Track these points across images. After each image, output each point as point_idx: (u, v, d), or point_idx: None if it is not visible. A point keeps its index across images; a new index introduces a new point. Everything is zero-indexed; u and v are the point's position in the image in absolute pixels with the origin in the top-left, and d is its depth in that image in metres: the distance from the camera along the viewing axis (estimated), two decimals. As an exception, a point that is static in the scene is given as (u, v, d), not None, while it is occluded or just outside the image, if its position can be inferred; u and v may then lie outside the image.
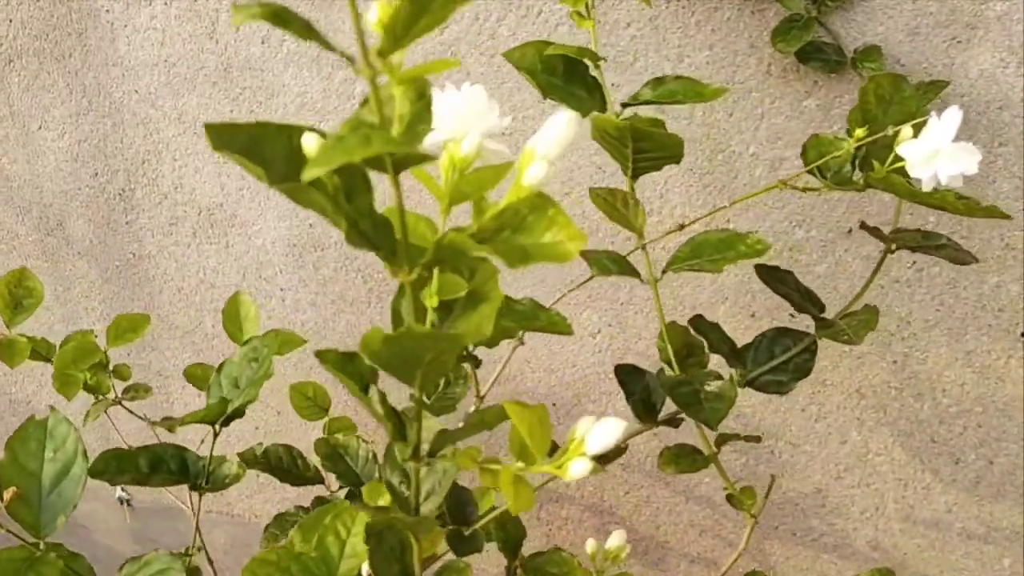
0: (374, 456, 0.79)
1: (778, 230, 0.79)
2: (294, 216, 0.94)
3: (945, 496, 0.87)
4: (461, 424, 0.43)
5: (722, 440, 0.57)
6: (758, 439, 0.60)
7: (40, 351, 0.66)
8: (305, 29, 0.25)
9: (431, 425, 0.45)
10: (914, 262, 0.76)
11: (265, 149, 0.30)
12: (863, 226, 0.59)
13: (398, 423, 0.41)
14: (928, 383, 0.81)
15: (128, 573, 0.54)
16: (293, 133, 0.30)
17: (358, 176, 0.33)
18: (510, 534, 0.77)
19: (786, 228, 0.78)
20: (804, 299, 0.56)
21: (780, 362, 0.55)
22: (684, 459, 0.54)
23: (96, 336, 0.68)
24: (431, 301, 0.39)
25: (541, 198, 0.32)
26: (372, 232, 0.32)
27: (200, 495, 0.60)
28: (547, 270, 0.88)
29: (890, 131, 0.51)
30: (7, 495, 0.49)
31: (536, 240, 0.31)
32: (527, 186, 0.32)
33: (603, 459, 0.57)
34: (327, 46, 0.26)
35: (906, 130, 0.50)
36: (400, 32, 0.25)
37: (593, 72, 0.59)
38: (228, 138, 0.29)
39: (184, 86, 0.90)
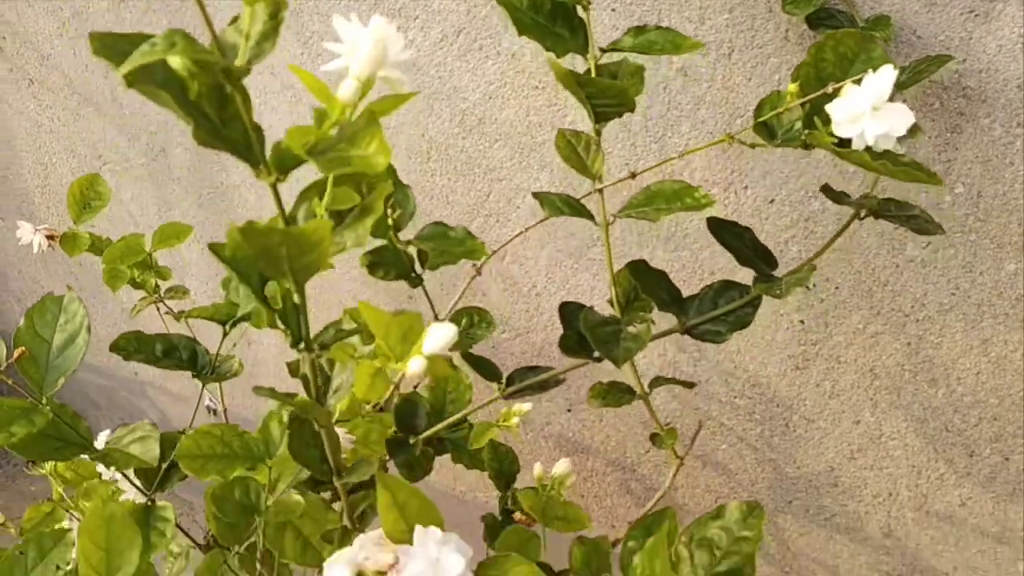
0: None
1: (794, 200, 0.78)
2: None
3: (959, 489, 0.84)
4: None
5: (655, 383, 0.59)
6: (692, 385, 0.62)
7: (97, 246, 0.76)
8: None
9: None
10: (929, 242, 0.75)
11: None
12: (824, 189, 0.59)
13: (295, 324, 0.46)
14: (943, 369, 0.79)
15: (119, 435, 0.62)
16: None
17: (220, 87, 0.38)
18: (504, 466, 0.81)
19: (802, 198, 0.78)
20: (756, 255, 0.57)
21: (721, 313, 0.57)
22: (612, 394, 0.57)
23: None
24: (319, 209, 0.44)
25: (373, 117, 0.36)
26: (238, 137, 0.37)
27: (204, 384, 0.68)
28: (574, 226, 0.91)
29: (830, 88, 0.51)
30: (16, 353, 0.58)
31: (361, 152, 0.36)
32: (340, 99, 0.36)
33: (542, 387, 0.60)
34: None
35: (847, 87, 0.51)
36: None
37: (581, 14, 0.61)
38: (111, 45, 0.35)
39: (264, 29, 0.98)
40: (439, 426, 0.65)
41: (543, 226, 0.94)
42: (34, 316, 0.61)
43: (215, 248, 0.43)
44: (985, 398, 0.79)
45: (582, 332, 0.58)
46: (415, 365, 0.39)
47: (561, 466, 0.63)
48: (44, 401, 0.59)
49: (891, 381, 0.82)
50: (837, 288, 0.80)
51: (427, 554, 0.46)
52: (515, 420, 0.80)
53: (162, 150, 1.16)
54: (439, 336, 0.39)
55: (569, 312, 0.58)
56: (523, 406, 0.81)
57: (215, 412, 1.39)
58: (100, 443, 0.68)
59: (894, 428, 0.85)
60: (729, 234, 0.58)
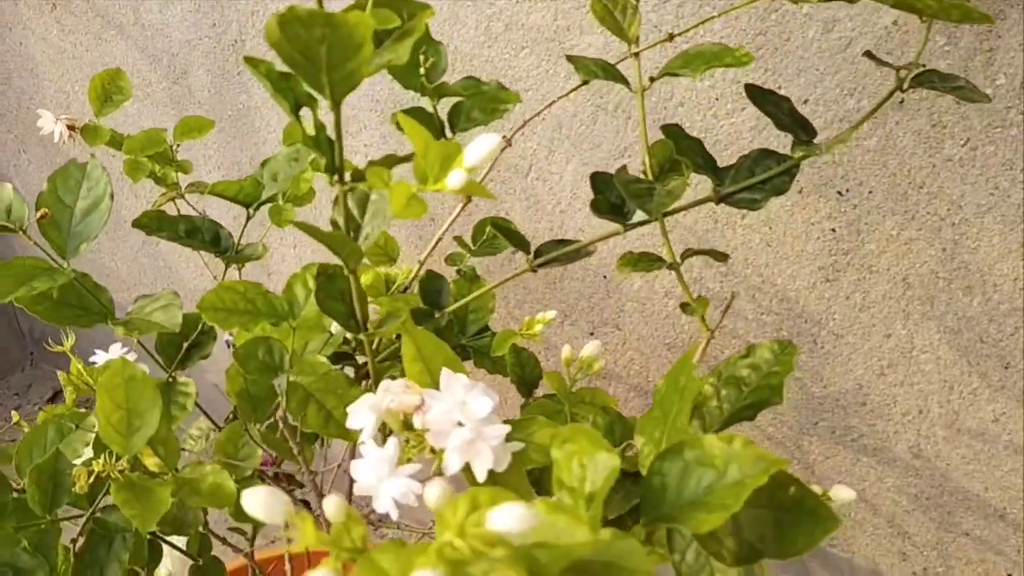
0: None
1: (829, 99, 0.77)
2: (380, 75, 1.00)
3: (993, 404, 0.82)
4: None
5: (687, 254, 0.58)
6: (726, 257, 0.60)
7: (117, 140, 0.75)
8: None
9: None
10: (967, 139, 0.73)
11: None
12: (868, 54, 0.57)
13: (329, 153, 0.45)
14: (979, 275, 0.77)
15: (140, 304, 0.61)
16: None
17: None
18: (527, 371, 0.80)
19: (837, 97, 0.76)
20: (794, 123, 0.56)
21: (758, 181, 0.55)
22: (643, 262, 0.55)
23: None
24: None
25: None
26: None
27: (226, 265, 0.67)
28: (600, 137, 0.90)
29: (879, -66, 0.49)
30: (39, 214, 0.57)
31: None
32: None
33: (571, 258, 0.59)
34: None
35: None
36: None
37: None
38: None
39: (289, -61, 0.97)
40: (464, 300, 0.64)
41: (568, 139, 0.93)
42: (57, 181, 0.60)
43: (251, 62, 0.42)
44: (1022, 306, 0.77)
45: (612, 200, 0.57)
46: (455, 178, 0.38)
47: (590, 348, 0.62)
48: (68, 267, 0.58)
49: (924, 290, 0.80)
50: (871, 192, 0.79)
51: (454, 396, 0.45)
52: (538, 328, 0.79)
53: (184, 72, 1.15)
54: (483, 146, 0.37)
55: (600, 179, 0.56)
56: (547, 314, 0.80)
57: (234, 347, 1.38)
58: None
59: (926, 341, 0.83)
60: (768, 102, 0.56)
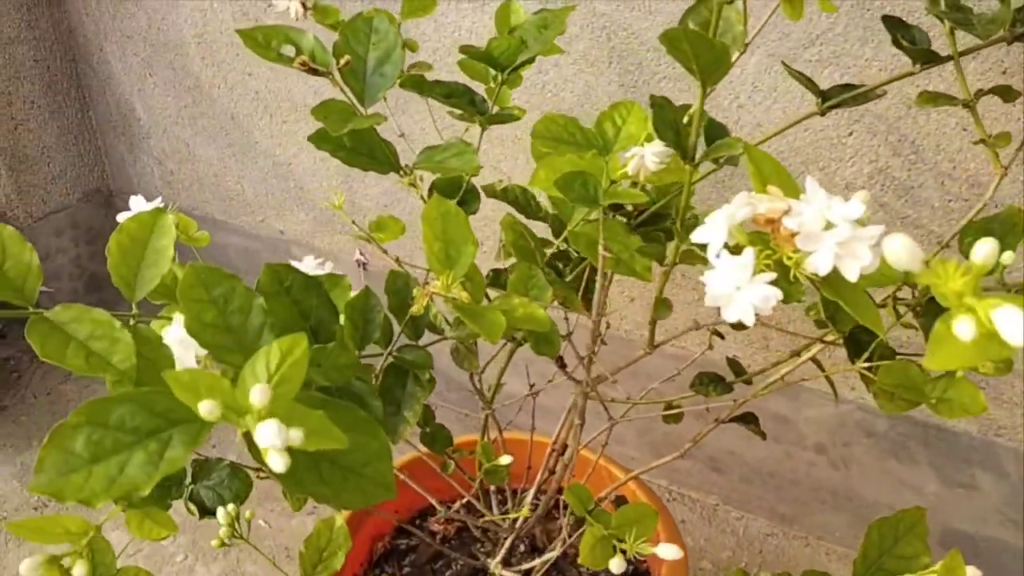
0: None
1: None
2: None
3: None
4: None
5: (980, 93, 0.60)
6: (1017, 95, 0.62)
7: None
8: None
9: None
10: None
11: None
12: None
13: None
14: None
15: (429, 154, 0.63)
16: None
17: None
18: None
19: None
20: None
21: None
22: (941, 98, 0.57)
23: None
24: None
25: None
26: None
27: (482, 128, 0.69)
28: (790, 25, 0.91)
29: None
30: (342, 61, 0.59)
31: None
32: None
33: (860, 99, 0.60)
34: None
35: None
36: None
37: None
38: None
39: None
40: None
41: (753, 30, 0.94)
42: (347, 32, 0.61)
43: None
44: None
45: (910, 39, 0.58)
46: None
47: (860, 196, 0.64)
48: (367, 112, 0.60)
49: None
50: (1083, 69, 0.80)
51: (822, 199, 0.46)
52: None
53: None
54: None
55: (892, 23, 0.58)
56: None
57: (364, 266, 1.40)
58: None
59: None
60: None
